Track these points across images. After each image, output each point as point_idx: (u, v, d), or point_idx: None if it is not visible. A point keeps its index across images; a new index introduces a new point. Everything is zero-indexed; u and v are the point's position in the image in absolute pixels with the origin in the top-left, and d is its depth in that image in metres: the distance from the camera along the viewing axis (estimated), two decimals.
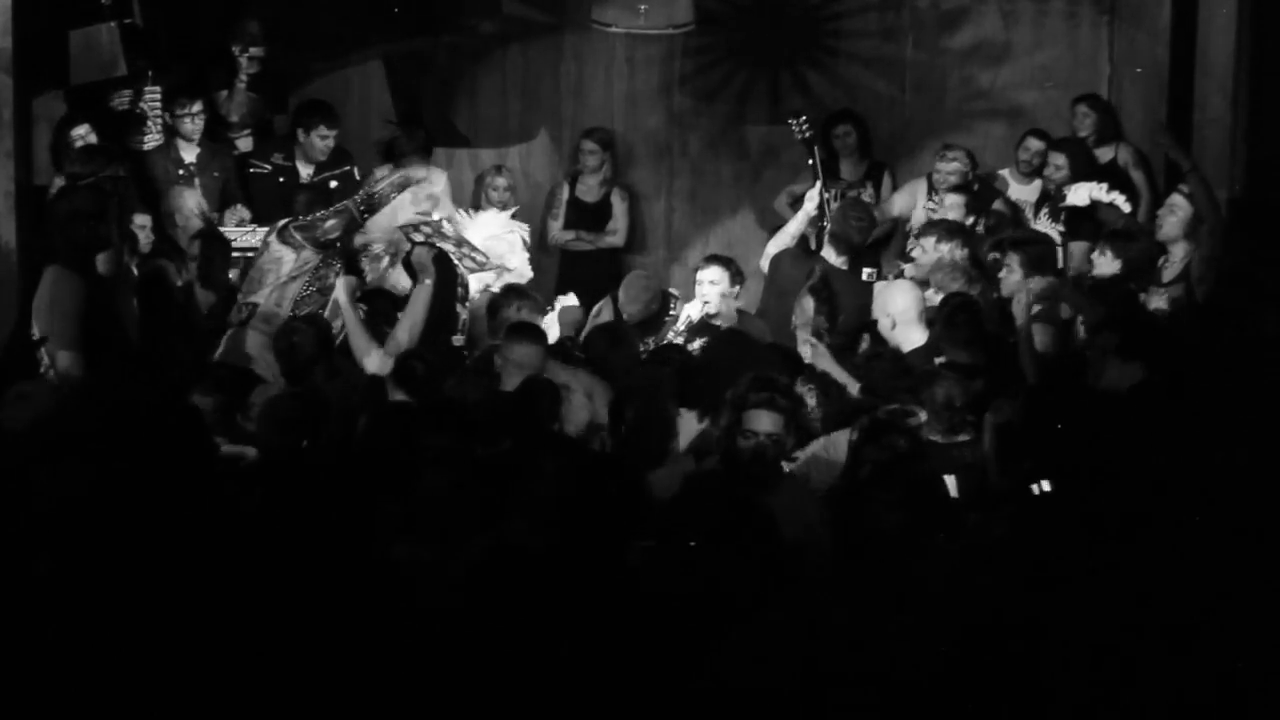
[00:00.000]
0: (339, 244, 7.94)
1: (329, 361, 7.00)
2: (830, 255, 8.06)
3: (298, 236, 8.03)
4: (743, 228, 10.58)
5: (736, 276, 8.11)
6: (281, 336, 7.11)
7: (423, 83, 10.51)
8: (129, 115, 8.90)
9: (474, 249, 8.26)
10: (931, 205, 9.14)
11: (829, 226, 8.28)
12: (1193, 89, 9.42)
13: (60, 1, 8.48)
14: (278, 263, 8.03)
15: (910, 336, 7.18)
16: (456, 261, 8.06)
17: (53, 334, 6.55)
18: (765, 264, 8.41)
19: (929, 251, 7.81)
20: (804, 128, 8.93)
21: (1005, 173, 9.75)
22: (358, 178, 9.33)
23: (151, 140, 8.95)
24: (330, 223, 8.00)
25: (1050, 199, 9.27)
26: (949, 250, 7.77)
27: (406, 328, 7.19)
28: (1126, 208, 8.49)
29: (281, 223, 8.07)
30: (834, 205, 8.65)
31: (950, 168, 9.23)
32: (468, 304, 8.23)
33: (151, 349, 7.17)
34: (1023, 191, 9.64)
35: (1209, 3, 9.20)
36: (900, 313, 7.20)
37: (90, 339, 6.62)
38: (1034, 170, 9.64)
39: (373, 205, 8.32)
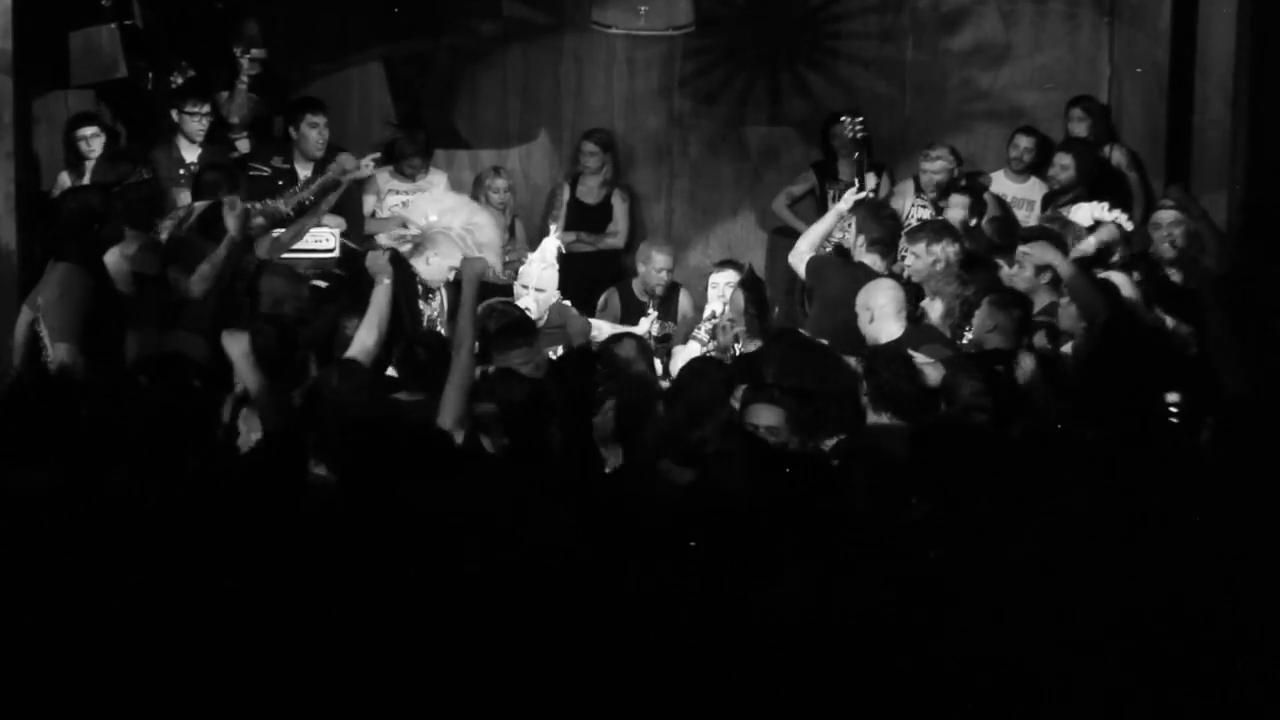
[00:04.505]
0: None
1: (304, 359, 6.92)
2: (876, 262, 7.96)
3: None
4: (743, 229, 10.59)
5: None
6: None
7: (423, 84, 10.51)
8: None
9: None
10: (922, 203, 9.16)
11: (870, 234, 8.13)
12: (1193, 90, 9.46)
13: (60, 3, 8.48)
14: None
15: (887, 329, 7.23)
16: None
17: (57, 326, 6.61)
18: (798, 264, 8.27)
19: (922, 256, 7.77)
20: (858, 128, 8.86)
21: (1000, 173, 9.76)
22: None
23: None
24: (260, 220, 8.00)
25: (1054, 198, 9.28)
26: (941, 250, 7.75)
27: (373, 326, 7.13)
28: (1129, 226, 8.43)
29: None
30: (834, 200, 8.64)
31: (936, 166, 9.22)
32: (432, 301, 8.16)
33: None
34: (1019, 190, 9.64)
35: (1209, 4, 9.23)
36: (880, 307, 7.28)
37: (93, 336, 6.67)
38: (1026, 168, 9.65)
39: (302, 207, 8.32)
